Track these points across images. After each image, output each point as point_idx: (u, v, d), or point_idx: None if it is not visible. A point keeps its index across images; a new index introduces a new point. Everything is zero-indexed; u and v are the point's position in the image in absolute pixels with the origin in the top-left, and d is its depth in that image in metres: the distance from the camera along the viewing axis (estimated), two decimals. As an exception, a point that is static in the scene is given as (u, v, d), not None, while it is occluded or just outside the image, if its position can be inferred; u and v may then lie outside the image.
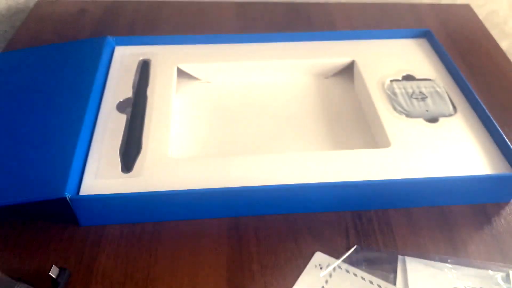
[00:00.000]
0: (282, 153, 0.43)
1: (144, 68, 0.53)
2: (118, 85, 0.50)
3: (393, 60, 0.56)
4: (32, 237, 0.40)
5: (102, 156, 0.42)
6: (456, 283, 0.36)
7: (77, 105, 0.45)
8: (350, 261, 0.38)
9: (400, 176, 0.41)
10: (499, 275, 0.37)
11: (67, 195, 0.37)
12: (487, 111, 0.47)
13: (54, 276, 0.35)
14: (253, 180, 0.40)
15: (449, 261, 0.38)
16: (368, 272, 0.36)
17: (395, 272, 0.37)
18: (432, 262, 0.38)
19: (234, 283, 0.37)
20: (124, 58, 0.54)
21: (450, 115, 0.48)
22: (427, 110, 0.48)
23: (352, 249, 0.38)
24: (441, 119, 0.47)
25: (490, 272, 0.37)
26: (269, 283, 0.37)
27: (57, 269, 0.35)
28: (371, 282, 0.35)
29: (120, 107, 0.48)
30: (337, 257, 0.38)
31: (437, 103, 0.49)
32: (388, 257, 0.38)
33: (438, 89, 0.51)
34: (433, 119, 0.47)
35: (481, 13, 0.81)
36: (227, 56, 0.56)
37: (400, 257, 0.38)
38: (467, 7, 0.75)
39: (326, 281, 0.35)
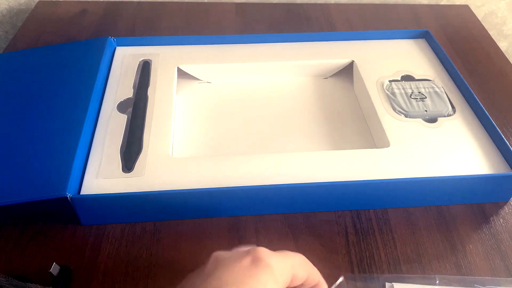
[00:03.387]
0: (281, 153, 0.43)
1: (144, 69, 0.53)
2: (119, 85, 0.51)
3: (392, 60, 0.56)
4: (33, 236, 0.40)
5: (103, 156, 0.42)
6: None
7: (78, 106, 0.45)
8: None
9: (399, 176, 0.42)
10: None
11: (68, 195, 0.37)
12: (485, 111, 0.47)
13: (54, 274, 0.35)
14: (253, 179, 0.41)
15: (437, 282, 0.37)
16: None
17: None
18: (419, 286, 0.37)
19: (234, 282, 0.37)
20: (125, 58, 0.55)
21: (449, 115, 0.48)
22: (426, 110, 0.48)
23: (339, 280, 0.37)
24: (440, 119, 0.48)
25: None
26: (269, 282, 0.37)
27: (58, 266, 0.36)
28: None
29: (121, 107, 0.48)
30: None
31: (436, 103, 0.50)
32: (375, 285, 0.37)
33: (437, 89, 0.52)
34: (432, 119, 0.48)
35: (480, 14, 0.82)
36: (227, 56, 0.56)
37: (388, 284, 0.37)
38: (466, 8, 0.76)
39: None
